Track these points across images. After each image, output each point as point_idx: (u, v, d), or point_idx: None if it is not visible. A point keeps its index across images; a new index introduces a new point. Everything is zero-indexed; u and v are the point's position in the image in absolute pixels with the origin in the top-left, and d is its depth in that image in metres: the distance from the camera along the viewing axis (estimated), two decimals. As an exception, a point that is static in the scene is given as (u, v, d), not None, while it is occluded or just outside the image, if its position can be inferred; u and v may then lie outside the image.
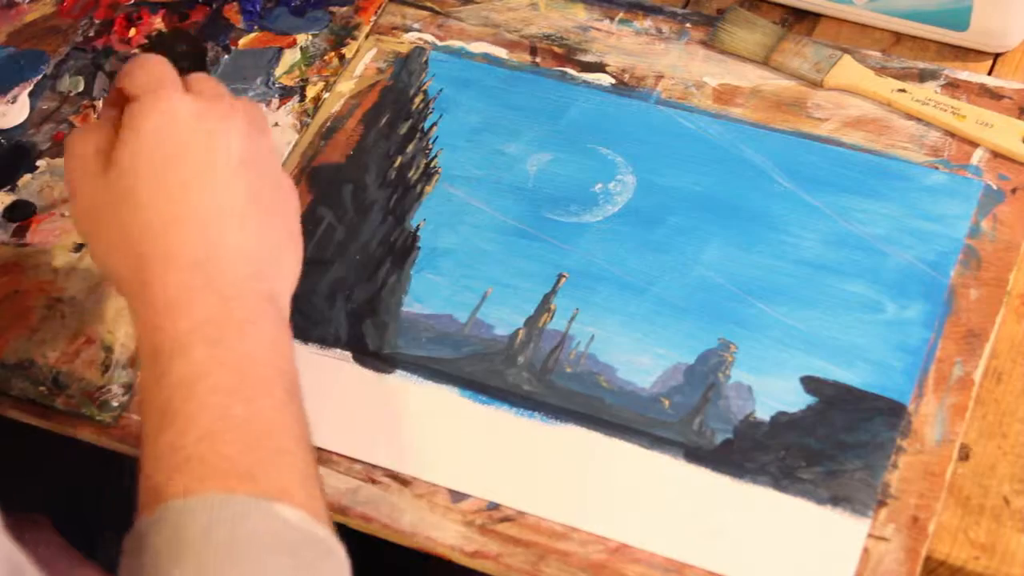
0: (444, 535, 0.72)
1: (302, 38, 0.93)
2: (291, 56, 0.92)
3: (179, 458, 0.62)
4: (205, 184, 0.68)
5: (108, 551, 0.95)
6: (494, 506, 0.73)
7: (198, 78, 0.73)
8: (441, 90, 0.89)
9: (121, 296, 0.69)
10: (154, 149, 0.68)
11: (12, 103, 0.92)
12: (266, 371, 0.65)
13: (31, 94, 0.92)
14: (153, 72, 0.71)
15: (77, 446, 0.80)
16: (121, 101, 0.71)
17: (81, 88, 0.92)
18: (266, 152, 0.72)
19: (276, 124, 0.89)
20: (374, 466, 0.75)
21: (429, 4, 0.94)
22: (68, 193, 0.71)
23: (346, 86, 0.90)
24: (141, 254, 0.67)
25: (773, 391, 0.75)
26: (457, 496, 0.73)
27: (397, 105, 0.89)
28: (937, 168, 0.82)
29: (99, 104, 0.91)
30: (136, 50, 0.94)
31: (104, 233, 0.69)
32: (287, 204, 0.72)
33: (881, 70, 0.86)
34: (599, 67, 0.89)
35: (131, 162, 0.68)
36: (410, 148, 0.87)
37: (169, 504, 0.61)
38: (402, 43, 0.92)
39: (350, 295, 0.81)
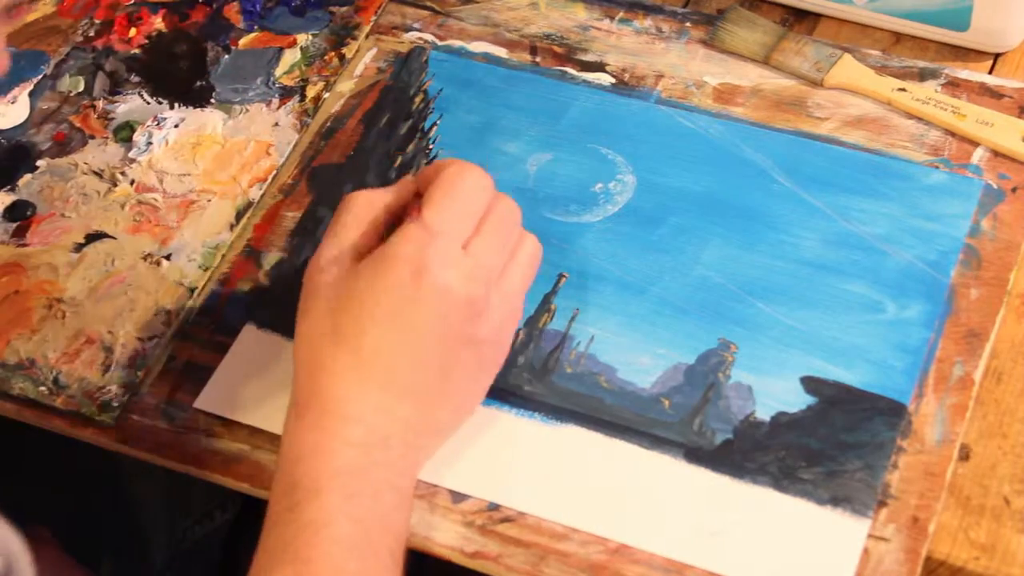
0: (444, 536, 0.72)
1: (302, 38, 0.93)
2: (291, 56, 0.92)
3: None
4: (413, 353, 0.68)
5: (112, 566, 0.95)
6: (494, 507, 0.73)
7: (496, 219, 0.71)
8: (441, 90, 0.89)
9: (291, 396, 0.70)
10: (403, 287, 0.68)
11: (12, 103, 0.92)
12: (384, 533, 0.66)
13: (31, 94, 0.92)
14: (465, 202, 0.70)
15: (80, 454, 0.80)
16: (412, 190, 0.72)
17: (81, 88, 0.92)
18: (492, 337, 0.71)
19: (276, 124, 0.89)
20: (374, 466, 0.75)
21: (429, 4, 0.94)
22: (326, 232, 0.71)
23: (346, 86, 0.90)
24: (321, 380, 0.68)
25: (773, 391, 0.75)
26: (457, 496, 0.73)
27: (397, 105, 0.89)
28: (937, 167, 0.82)
29: (99, 104, 0.91)
30: (136, 50, 0.94)
31: (310, 331, 0.69)
32: (478, 390, 0.72)
33: (881, 69, 0.86)
34: (599, 66, 0.89)
35: (359, 299, 0.68)
36: (410, 148, 0.87)
37: None
38: (402, 43, 0.92)
39: (350, 295, 0.81)
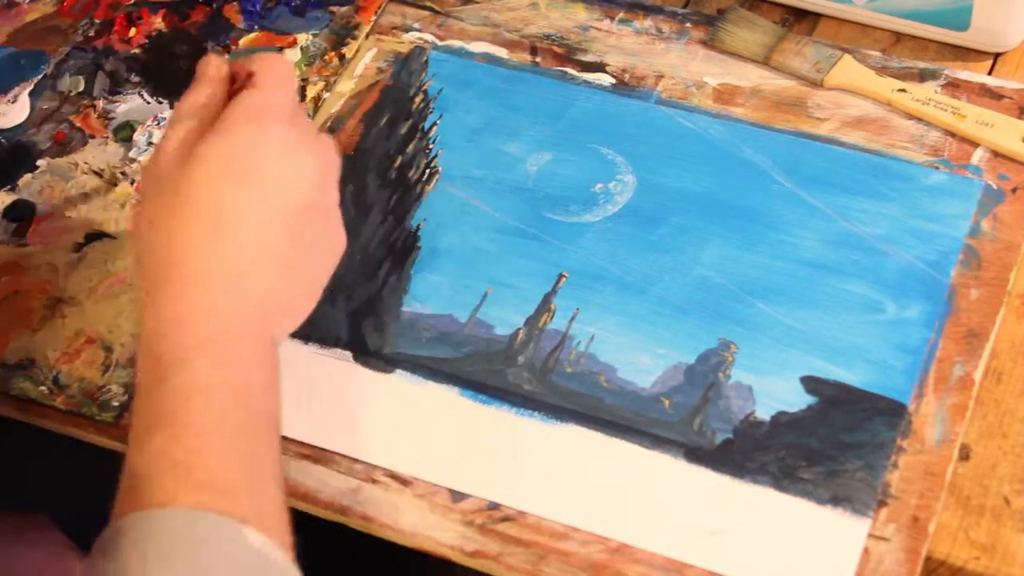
0: (444, 535, 0.72)
1: (302, 38, 0.93)
2: (291, 56, 0.92)
3: (166, 463, 0.62)
4: (261, 218, 0.68)
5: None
6: (494, 506, 0.73)
7: (300, 108, 0.72)
8: (441, 90, 0.89)
9: (136, 280, 0.69)
10: (231, 162, 0.68)
11: (12, 103, 0.92)
12: (258, 404, 0.66)
13: (31, 94, 0.92)
14: (277, 82, 0.71)
15: (84, 447, 0.80)
16: (230, 82, 0.72)
17: (81, 88, 0.92)
18: (332, 200, 0.72)
19: (276, 124, 0.89)
20: (374, 466, 0.75)
21: (429, 4, 0.94)
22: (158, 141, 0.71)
23: (346, 86, 0.90)
24: (172, 258, 0.67)
25: (773, 391, 0.75)
26: (457, 496, 0.73)
27: (397, 105, 0.89)
28: (937, 168, 0.82)
29: (99, 103, 0.91)
30: (136, 50, 0.94)
31: (154, 212, 0.68)
32: (325, 261, 0.72)
33: (881, 70, 0.86)
34: (599, 67, 0.89)
35: (206, 166, 0.68)
36: (410, 148, 0.87)
37: (147, 512, 0.61)
38: (402, 43, 0.92)
39: (350, 295, 0.81)
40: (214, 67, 0.72)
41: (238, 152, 0.68)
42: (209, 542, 0.60)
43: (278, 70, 0.71)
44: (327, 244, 0.72)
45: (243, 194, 0.68)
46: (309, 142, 0.70)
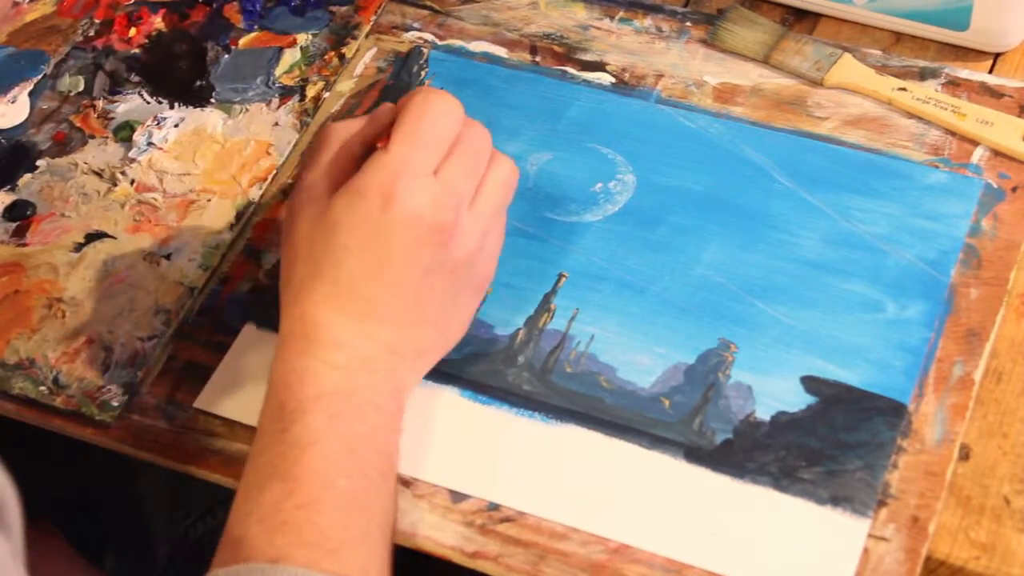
0: (444, 535, 0.72)
1: (302, 38, 0.93)
2: (291, 56, 0.92)
3: (276, 520, 0.64)
4: (388, 278, 0.70)
5: (115, 560, 0.95)
6: (494, 506, 0.73)
7: (465, 145, 0.72)
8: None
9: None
10: (374, 217, 0.69)
11: (12, 103, 0.92)
12: (371, 451, 0.68)
13: (31, 94, 0.92)
14: (432, 130, 0.71)
15: (84, 451, 0.80)
16: (386, 120, 0.72)
17: (81, 88, 0.92)
18: (487, 256, 0.73)
19: (276, 124, 0.89)
20: (374, 466, 0.75)
21: (429, 3, 0.94)
22: (305, 164, 0.74)
23: (346, 85, 0.90)
24: (299, 312, 0.70)
25: (773, 391, 0.75)
26: (457, 496, 0.73)
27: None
28: (937, 167, 0.82)
29: (99, 103, 0.91)
30: (136, 50, 0.94)
31: (286, 262, 0.71)
32: (459, 316, 0.74)
33: (881, 68, 0.86)
34: (599, 66, 0.89)
35: (347, 215, 0.69)
36: (410, 147, 0.86)
37: (253, 566, 0.63)
38: (402, 42, 0.92)
39: (350, 295, 0.81)
40: (381, 112, 0.73)
41: (363, 221, 0.69)
42: None
43: (415, 112, 0.71)
44: (462, 299, 0.73)
45: (365, 263, 0.69)
46: (456, 195, 0.71)
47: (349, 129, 0.73)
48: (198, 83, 0.91)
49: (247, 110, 0.90)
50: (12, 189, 0.88)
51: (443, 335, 0.73)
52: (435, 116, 0.71)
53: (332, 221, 0.70)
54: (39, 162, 0.89)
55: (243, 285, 0.82)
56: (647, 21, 0.91)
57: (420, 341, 0.72)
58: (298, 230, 0.71)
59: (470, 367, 0.77)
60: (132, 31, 0.95)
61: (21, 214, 0.86)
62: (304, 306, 0.70)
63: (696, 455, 0.73)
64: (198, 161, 0.88)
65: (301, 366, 0.68)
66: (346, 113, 0.89)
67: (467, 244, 0.71)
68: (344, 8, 0.94)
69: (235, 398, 0.77)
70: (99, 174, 0.88)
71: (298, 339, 0.69)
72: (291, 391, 0.68)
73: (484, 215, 0.72)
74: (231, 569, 0.63)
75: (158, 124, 0.89)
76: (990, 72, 0.86)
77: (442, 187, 0.70)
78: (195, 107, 0.90)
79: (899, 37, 0.89)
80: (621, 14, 0.91)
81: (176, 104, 0.91)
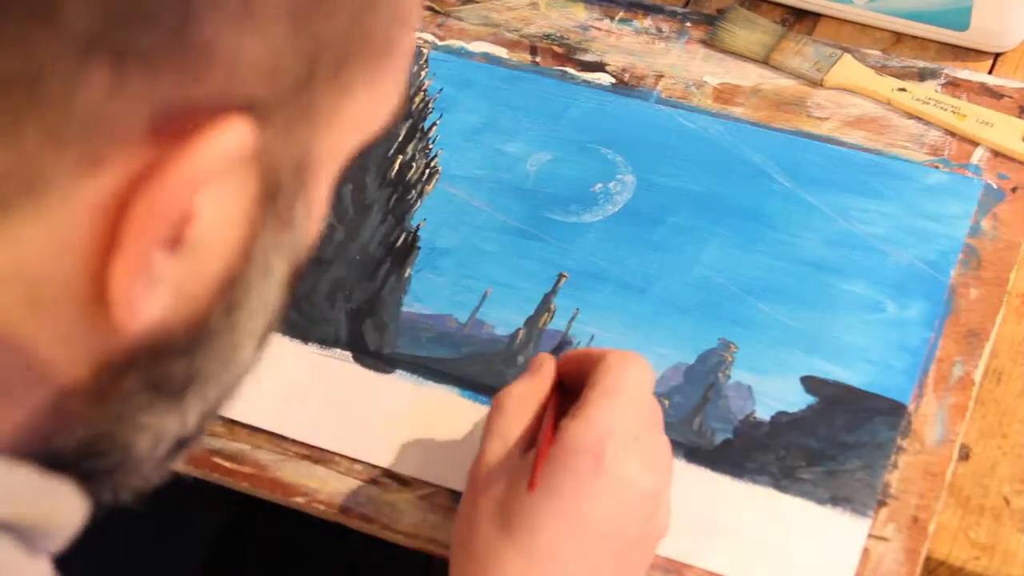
0: (445, 535, 0.72)
1: (302, 38, 0.93)
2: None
3: None
4: (603, 556, 0.63)
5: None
6: (494, 506, 0.72)
7: (654, 412, 0.67)
8: (441, 89, 0.89)
9: None
10: (583, 482, 0.63)
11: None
12: None
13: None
14: (631, 401, 0.65)
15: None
16: (554, 373, 0.69)
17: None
18: (663, 521, 0.67)
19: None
20: (374, 466, 0.75)
21: (429, 3, 0.94)
22: (485, 433, 0.68)
23: (346, 86, 0.90)
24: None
25: (773, 391, 0.75)
26: (457, 496, 0.73)
27: (397, 105, 0.89)
28: (937, 167, 0.82)
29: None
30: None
31: (485, 518, 0.64)
32: (647, 556, 0.68)
33: (881, 69, 0.86)
34: (599, 66, 0.89)
35: (548, 479, 0.63)
36: (410, 148, 0.87)
37: None
38: (402, 43, 0.92)
39: (350, 295, 0.81)
40: (540, 365, 0.69)
41: (569, 483, 0.63)
42: None
43: (616, 378, 0.66)
44: (650, 548, 0.67)
45: (567, 531, 0.63)
46: (642, 462, 0.65)
47: (525, 393, 0.68)
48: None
49: (247, 110, 0.89)
50: (12, 189, 0.88)
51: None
52: (634, 383, 0.66)
53: (542, 514, 0.63)
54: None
55: (243, 285, 0.82)
56: (647, 22, 0.91)
57: None
58: (489, 490, 0.64)
59: (470, 367, 0.77)
60: (132, 31, 0.95)
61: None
62: (490, 573, 0.63)
63: (696, 455, 0.73)
64: (198, 161, 0.87)
65: None
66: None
67: (665, 518, 0.67)
68: (344, 8, 0.94)
69: (235, 398, 0.77)
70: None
71: None
72: None
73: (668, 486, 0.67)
74: None
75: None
76: (990, 72, 0.86)
77: (647, 451, 0.65)
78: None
79: (899, 37, 0.89)
80: (621, 15, 0.91)
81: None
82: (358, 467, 0.75)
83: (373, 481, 0.74)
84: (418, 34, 0.92)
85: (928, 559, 0.69)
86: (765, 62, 0.88)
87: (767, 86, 0.87)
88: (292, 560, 0.94)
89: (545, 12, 0.92)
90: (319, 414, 0.77)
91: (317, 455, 0.75)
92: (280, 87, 0.41)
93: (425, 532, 0.72)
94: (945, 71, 0.86)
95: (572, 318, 0.78)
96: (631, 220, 0.82)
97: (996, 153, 0.82)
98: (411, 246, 0.82)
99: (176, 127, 0.39)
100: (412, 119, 0.88)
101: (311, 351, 0.79)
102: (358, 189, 0.85)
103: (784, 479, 0.72)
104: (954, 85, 0.85)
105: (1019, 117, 0.83)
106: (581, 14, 0.92)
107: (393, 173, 0.86)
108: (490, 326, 0.79)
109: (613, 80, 0.88)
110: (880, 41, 0.89)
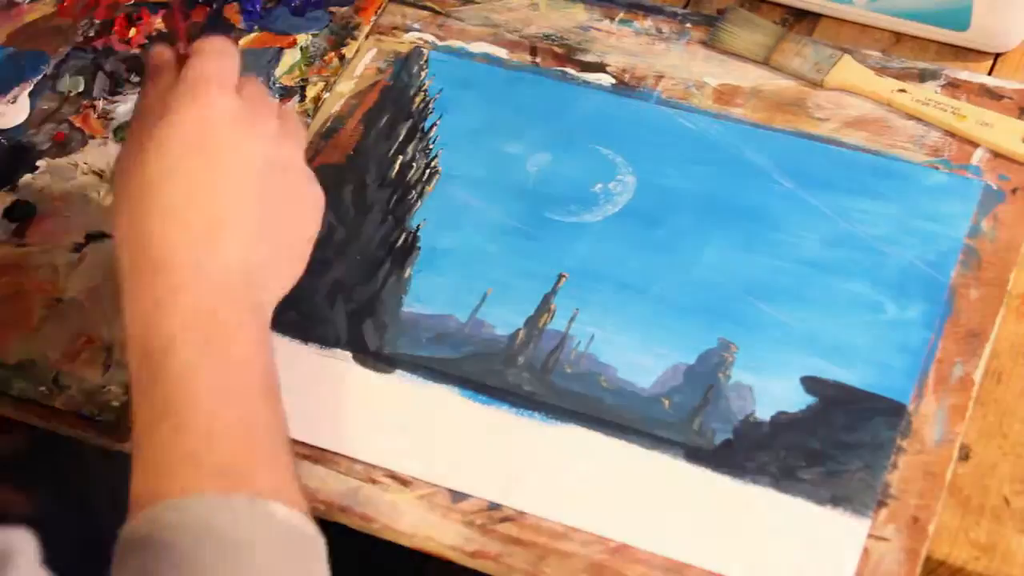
0: (444, 535, 0.72)
1: (302, 38, 0.93)
2: (291, 56, 0.92)
3: (175, 456, 0.62)
4: (220, 188, 0.69)
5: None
6: (494, 506, 0.73)
7: (248, 80, 0.74)
8: (441, 90, 0.89)
9: (121, 283, 0.69)
10: (184, 141, 0.69)
11: (12, 103, 0.92)
12: (251, 373, 0.66)
13: (31, 94, 0.92)
14: (217, 62, 0.72)
15: (82, 452, 0.80)
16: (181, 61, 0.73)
17: (81, 88, 0.92)
18: (294, 162, 0.73)
19: (276, 124, 0.89)
20: (374, 466, 0.75)
21: (429, 4, 0.94)
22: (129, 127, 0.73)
23: (346, 86, 0.90)
24: (138, 247, 0.67)
25: (773, 391, 0.75)
26: (457, 496, 0.73)
27: (397, 105, 0.89)
28: (937, 168, 0.82)
29: (99, 104, 0.91)
30: (136, 50, 0.94)
31: (120, 208, 0.70)
32: (302, 216, 0.73)
33: (881, 70, 0.86)
34: (599, 67, 0.89)
35: (159, 149, 0.69)
36: (410, 148, 0.87)
37: (167, 503, 0.61)
38: (402, 43, 0.92)
39: (350, 295, 0.81)
40: (157, 56, 0.74)
41: (186, 127, 0.69)
42: (237, 524, 0.60)
43: (214, 43, 0.73)
44: (301, 201, 0.73)
45: (194, 172, 0.68)
46: (256, 106, 0.72)
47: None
48: (198, 83, 0.91)
49: (247, 110, 0.90)
50: (12, 189, 0.88)
51: (289, 243, 0.72)
52: (218, 48, 0.73)
53: (152, 144, 0.69)
54: (39, 162, 0.89)
55: (243, 285, 0.82)
56: (647, 22, 0.91)
57: (274, 250, 0.70)
58: (125, 172, 0.70)
59: (470, 367, 0.77)
60: (132, 31, 0.95)
61: (21, 214, 0.86)
62: (142, 237, 0.68)
63: (696, 455, 0.73)
64: (198, 161, 0.88)
65: (153, 299, 0.66)
66: (347, 114, 0.89)
67: (290, 146, 0.73)
68: (344, 9, 0.94)
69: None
70: (99, 174, 0.88)
71: (145, 274, 0.67)
72: (151, 329, 0.65)
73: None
74: (146, 513, 0.61)
75: (158, 124, 0.89)
76: (990, 73, 0.86)
77: (242, 95, 0.72)
78: (195, 107, 0.90)
79: (899, 37, 0.89)
80: (621, 15, 0.91)
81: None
82: (358, 467, 0.75)
83: (373, 481, 0.74)
84: (419, 34, 0.92)
85: (928, 559, 0.69)
86: (765, 63, 0.88)
87: (767, 87, 0.87)
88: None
89: (545, 13, 0.92)
90: (319, 414, 0.77)
91: (317, 455, 0.75)
92: None
93: (425, 532, 0.72)
94: (945, 72, 0.86)
95: (572, 318, 0.78)
96: (631, 220, 0.82)
97: (996, 154, 0.82)
98: (411, 246, 0.82)
99: None
100: (412, 119, 0.88)
101: (311, 351, 0.79)
102: (358, 189, 0.85)
103: (784, 479, 0.72)
104: (954, 86, 0.85)
105: (1019, 118, 0.83)
106: (581, 15, 0.92)
107: (393, 173, 0.86)
108: (490, 326, 0.79)
109: (613, 81, 0.88)
110: (880, 41, 0.89)
